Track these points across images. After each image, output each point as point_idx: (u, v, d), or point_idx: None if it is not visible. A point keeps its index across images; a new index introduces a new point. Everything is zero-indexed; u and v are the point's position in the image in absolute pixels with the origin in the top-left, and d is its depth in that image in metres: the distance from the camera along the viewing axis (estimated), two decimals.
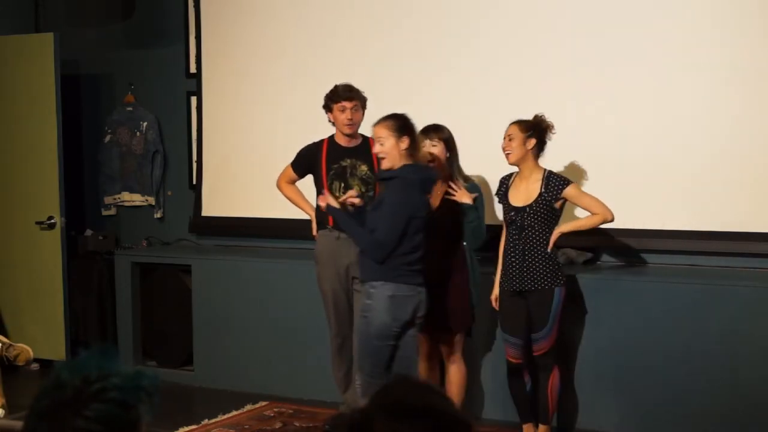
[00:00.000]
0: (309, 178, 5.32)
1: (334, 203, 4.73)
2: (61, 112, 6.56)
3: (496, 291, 4.92)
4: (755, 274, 5.11)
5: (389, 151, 4.52)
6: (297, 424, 5.37)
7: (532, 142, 4.76)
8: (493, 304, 4.94)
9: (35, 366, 6.41)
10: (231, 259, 6.28)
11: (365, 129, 5.03)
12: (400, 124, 4.54)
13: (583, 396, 5.20)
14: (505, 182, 4.89)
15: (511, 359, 4.87)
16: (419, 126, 4.94)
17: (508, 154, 4.80)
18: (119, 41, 7.08)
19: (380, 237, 4.44)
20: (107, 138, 7.08)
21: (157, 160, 6.93)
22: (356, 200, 4.77)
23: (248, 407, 5.67)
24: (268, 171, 5.76)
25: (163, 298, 6.55)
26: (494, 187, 5.09)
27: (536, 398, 4.89)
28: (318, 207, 5.02)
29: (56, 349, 6.48)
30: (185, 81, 6.80)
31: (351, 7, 6.13)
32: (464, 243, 4.94)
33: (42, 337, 6.52)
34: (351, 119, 5.11)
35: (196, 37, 6.67)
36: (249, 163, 6.46)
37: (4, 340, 5.53)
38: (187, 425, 5.30)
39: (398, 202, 4.47)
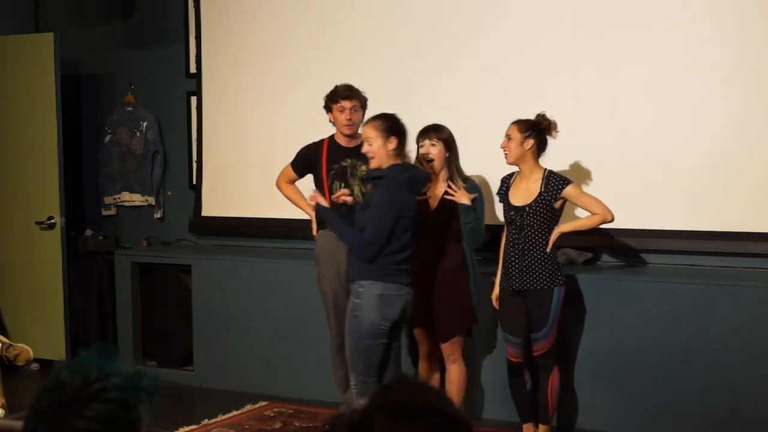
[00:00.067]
0: (308, 178, 5.32)
1: (324, 202, 4.74)
2: (61, 112, 6.55)
3: (496, 290, 4.92)
4: (755, 274, 5.11)
5: (377, 151, 4.53)
6: (297, 424, 5.37)
7: (531, 142, 4.76)
8: (494, 303, 4.94)
9: (35, 366, 6.41)
10: (231, 259, 6.28)
11: None
12: (388, 124, 4.55)
13: (583, 396, 5.20)
14: (506, 182, 4.89)
15: (511, 358, 4.87)
16: (419, 126, 4.95)
17: (506, 154, 4.81)
18: (119, 41, 7.08)
19: (368, 236, 4.45)
20: (107, 138, 7.08)
21: (157, 160, 6.93)
22: (348, 198, 4.79)
23: (248, 407, 5.67)
24: (268, 171, 5.76)
25: (163, 298, 6.55)
26: (494, 187, 5.09)
27: (536, 398, 4.89)
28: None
29: (56, 349, 6.48)
30: (185, 81, 6.80)
31: (351, 7, 6.13)
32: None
33: (42, 337, 6.52)
34: (350, 119, 5.11)
35: (196, 37, 6.67)
36: (249, 163, 6.45)
37: (4, 340, 5.53)
38: (187, 425, 5.30)
39: (386, 201, 4.47)
